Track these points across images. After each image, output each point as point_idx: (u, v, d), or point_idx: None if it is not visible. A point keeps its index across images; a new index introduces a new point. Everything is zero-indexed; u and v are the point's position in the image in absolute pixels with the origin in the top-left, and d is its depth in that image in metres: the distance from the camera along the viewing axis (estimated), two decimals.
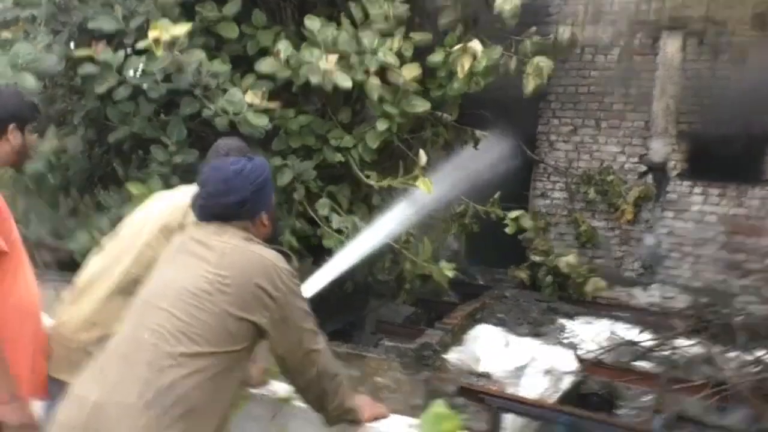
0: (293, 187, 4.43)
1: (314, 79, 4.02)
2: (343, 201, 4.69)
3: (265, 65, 4.15)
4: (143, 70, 4.04)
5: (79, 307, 2.07)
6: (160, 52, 3.75)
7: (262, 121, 3.93)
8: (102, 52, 3.95)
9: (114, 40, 4.15)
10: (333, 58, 3.98)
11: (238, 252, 1.62)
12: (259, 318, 1.56)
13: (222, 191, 1.66)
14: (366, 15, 4.37)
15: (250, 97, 3.94)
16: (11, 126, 1.99)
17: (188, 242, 1.69)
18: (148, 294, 1.64)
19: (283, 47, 4.13)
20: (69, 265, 4.53)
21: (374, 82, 4.18)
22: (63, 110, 4.45)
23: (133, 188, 3.93)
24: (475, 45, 4.57)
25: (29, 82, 3.65)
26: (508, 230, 5.93)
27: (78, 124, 4.45)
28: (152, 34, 3.72)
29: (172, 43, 3.83)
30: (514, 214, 5.97)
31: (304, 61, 4.06)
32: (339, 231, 4.39)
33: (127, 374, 1.49)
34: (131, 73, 4.07)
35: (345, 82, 4.04)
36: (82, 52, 3.96)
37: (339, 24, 4.35)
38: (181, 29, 3.78)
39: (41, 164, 4.53)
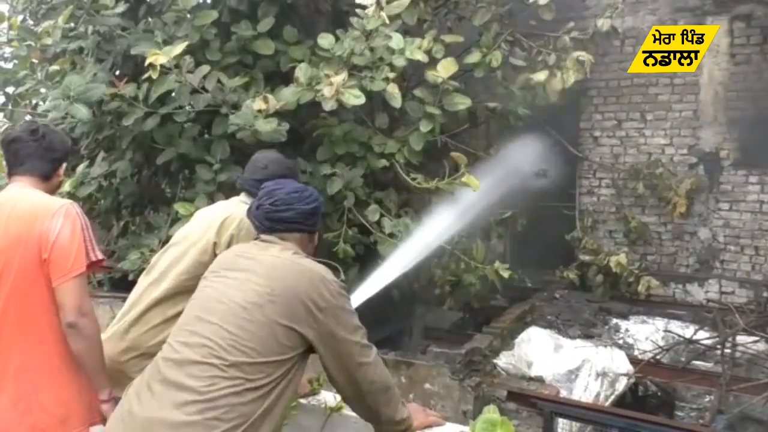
0: (343, 196, 4.46)
1: (327, 106, 3.93)
2: (391, 206, 4.69)
3: (287, 92, 4.09)
4: (160, 98, 4.06)
5: (120, 325, 2.19)
6: (156, 75, 3.81)
7: (270, 126, 3.83)
8: (123, 87, 4.05)
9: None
10: (338, 78, 3.91)
11: (287, 265, 1.66)
12: (307, 330, 1.58)
13: (287, 202, 1.76)
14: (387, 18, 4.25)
15: (258, 105, 3.88)
16: (63, 166, 2.18)
17: (236, 258, 1.74)
18: (197, 309, 1.67)
19: (302, 71, 4.09)
20: (121, 284, 4.70)
21: (393, 90, 4.12)
22: (111, 136, 4.60)
23: (180, 208, 4.02)
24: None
25: (82, 113, 3.78)
26: None
27: (126, 148, 4.60)
28: (148, 61, 3.78)
29: (177, 65, 3.88)
30: None
31: (323, 81, 4.00)
32: (392, 235, 4.38)
33: (175, 390, 1.51)
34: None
35: (355, 99, 3.93)
36: (109, 91, 4.06)
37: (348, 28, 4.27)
38: (176, 50, 3.80)
39: (93, 188, 4.72)
